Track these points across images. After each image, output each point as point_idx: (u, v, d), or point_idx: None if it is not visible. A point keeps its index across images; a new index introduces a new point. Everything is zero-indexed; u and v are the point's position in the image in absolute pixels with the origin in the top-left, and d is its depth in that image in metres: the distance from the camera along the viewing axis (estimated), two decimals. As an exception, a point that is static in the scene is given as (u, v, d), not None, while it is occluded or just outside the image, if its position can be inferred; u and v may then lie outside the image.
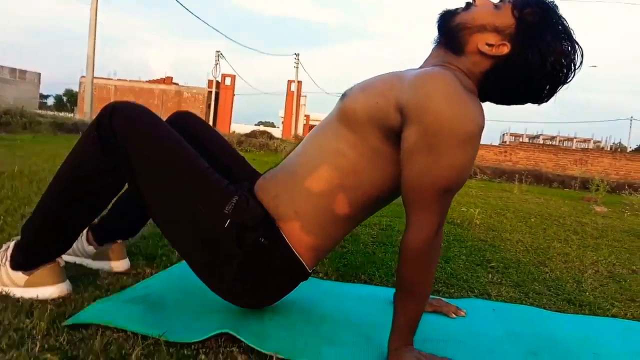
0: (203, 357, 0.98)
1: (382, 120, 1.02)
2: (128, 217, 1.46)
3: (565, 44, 1.05)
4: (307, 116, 39.55)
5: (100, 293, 1.26)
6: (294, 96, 31.59)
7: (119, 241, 1.49)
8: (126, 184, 1.18)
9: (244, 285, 1.10)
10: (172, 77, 32.61)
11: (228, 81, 31.02)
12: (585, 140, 41.63)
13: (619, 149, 40.46)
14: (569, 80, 1.07)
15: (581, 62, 1.06)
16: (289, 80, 32.50)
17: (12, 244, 1.24)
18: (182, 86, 31.11)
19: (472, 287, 1.72)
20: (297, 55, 31.41)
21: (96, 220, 1.40)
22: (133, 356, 0.94)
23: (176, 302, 1.22)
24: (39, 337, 0.97)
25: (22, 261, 1.20)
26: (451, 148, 0.95)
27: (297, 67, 31.67)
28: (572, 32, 1.06)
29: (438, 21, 1.14)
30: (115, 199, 1.31)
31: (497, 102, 1.15)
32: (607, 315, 1.54)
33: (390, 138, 1.03)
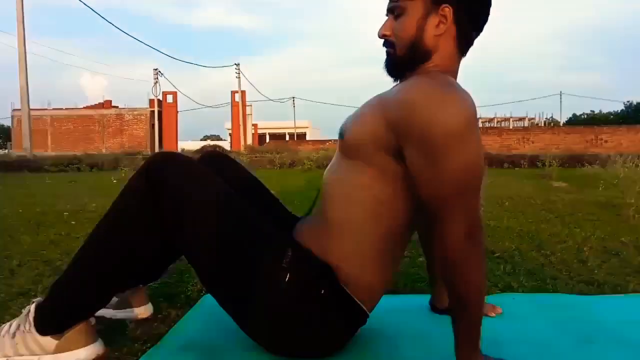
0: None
1: (381, 143, 1.00)
2: (151, 264, 1.38)
3: None
4: (255, 125, 39.28)
5: (139, 346, 1.19)
6: (239, 106, 31.27)
7: (140, 286, 1.40)
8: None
9: (306, 343, 1.07)
10: (111, 101, 31.53)
11: (170, 98, 30.30)
12: (520, 119, 43.62)
13: (552, 124, 42.66)
14: None
15: None
16: (232, 91, 32.16)
17: (32, 307, 1.14)
18: (123, 108, 30.10)
19: (492, 281, 1.74)
20: (238, 65, 31.18)
21: None
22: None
23: (227, 343, 1.16)
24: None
25: (52, 325, 1.11)
26: (451, 150, 0.92)
27: (239, 77, 31.42)
28: None
29: (391, 73, 1.11)
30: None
31: (479, 31, 1.11)
32: (628, 292, 1.61)
33: (397, 156, 1.00)
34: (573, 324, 1.28)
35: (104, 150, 26.14)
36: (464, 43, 1.09)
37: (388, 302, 1.48)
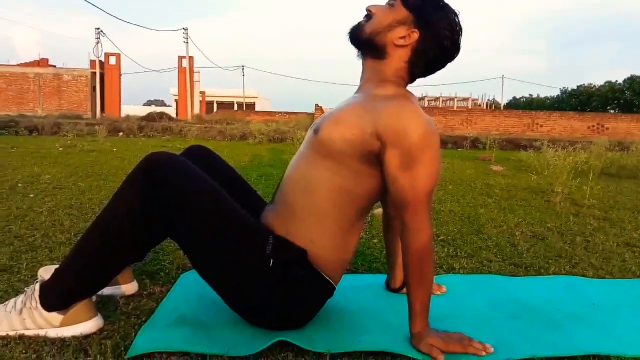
0: (270, 365, 1.12)
1: (361, 147, 1.21)
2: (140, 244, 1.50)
3: (444, 8, 1.29)
4: (203, 93, 38.31)
5: (135, 319, 1.33)
6: (186, 73, 30.35)
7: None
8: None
9: (287, 316, 1.25)
10: (47, 59, 29.69)
11: (112, 60, 28.91)
12: (464, 99, 45.13)
13: (493, 106, 44.48)
14: (461, 31, 1.30)
15: (458, 13, 1.29)
16: (179, 56, 31.10)
17: (37, 286, 1.26)
18: (61, 68, 28.41)
19: (437, 263, 1.99)
20: (186, 29, 30.11)
21: None
22: (211, 375, 1.05)
23: (213, 318, 1.33)
24: (115, 372, 1.05)
25: (57, 302, 1.23)
26: (429, 159, 1.18)
27: (187, 42, 30.41)
28: None
29: (351, 38, 1.34)
30: None
31: (425, 76, 1.37)
32: (549, 274, 1.90)
33: (369, 159, 1.23)
34: (503, 302, 1.54)
35: (40, 112, 24.74)
36: (411, 72, 1.31)
37: (349, 281, 1.69)
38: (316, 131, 1.28)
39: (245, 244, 1.21)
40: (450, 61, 1.34)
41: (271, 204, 1.37)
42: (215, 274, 1.24)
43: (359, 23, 1.32)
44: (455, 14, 1.29)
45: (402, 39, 1.27)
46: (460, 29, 1.30)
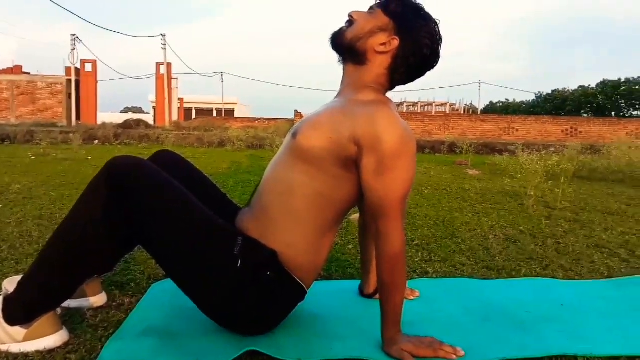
0: (240, 375, 1.10)
1: (338, 151, 1.21)
2: (106, 256, 1.47)
3: (425, 17, 1.31)
4: (181, 99, 38.00)
5: (103, 331, 1.30)
6: (164, 79, 30.09)
7: (95, 276, 1.50)
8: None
9: (257, 318, 1.24)
10: (21, 66, 29.05)
11: (89, 67, 28.49)
12: (442, 104, 45.74)
13: (470, 110, 45.17)
14: (441, 40, 1.32)
15: (439, 22, 1.32)
16: (157, 63, 30.82)
17: (0, 299, 1.22)
18: (36, 75, 27.89)
19: (411, 267, 2.00)
20: (164, 35, 29.89)
21: None
22: (178, 387, 1.04)
23: (184, 328, 1.31)
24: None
25: (20, 315, 1.20)
26: (404, 165, 1.20)
27: (165, 49, 30.17)
28: (423, 6, 1.32)
29: (332, 43, 1.35)
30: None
31: (405, 84, 1.39)
32: (520, 276, 1.93)
33: (347, 164, 1.23)
34: (474, 305, 1.55)
35: (12, 120, 24.20)
36: (391, 78, 1.32)
37: (322, 287, 1.69)
38: (294, 135, 1.28)
39: (213, 244, 1.20)
40: (430, 69, 1.35)
41: (247, 207, 1.36)
42: (185, 277, 1.22)
43: (340, 29, 1.33)
44: (436, 23, 1.31)
45: (383, 46, 1.28)
46: (440, 37, 1.31)
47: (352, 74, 1.34)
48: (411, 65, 1.31)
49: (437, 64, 1.35)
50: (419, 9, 1.31)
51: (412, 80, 1.37)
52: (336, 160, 1.22)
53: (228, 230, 1.24)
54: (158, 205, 1.18)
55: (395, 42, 1.28)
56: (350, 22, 1.32)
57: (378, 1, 1.33)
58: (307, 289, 1.31)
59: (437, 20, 1.31)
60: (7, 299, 1.21)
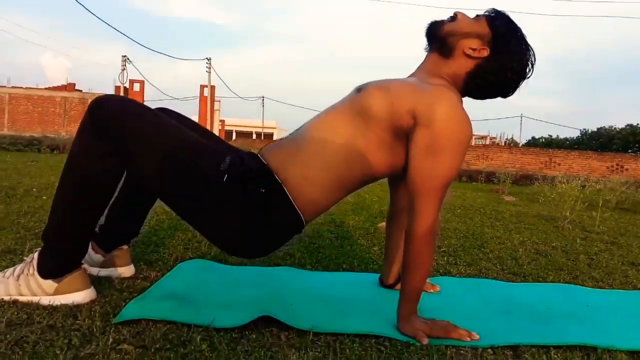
0: (253, 335, 1.13)
1: (395, 119, 1.23)
2: (127, 218, 1.55)
3: (524, 47, 1.34)
4: (222, 121, 38.97)
5: (127, 294, 1.36)
6: (207, 101, 31.00)
7: (124, 247, 1.57)
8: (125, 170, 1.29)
9: (245, 234, 1.25)
10: (74, 84, 30.68)
11: (137, 87, 29.76)
12: (482, 137, 45.10)
13: (511, 144, 44.31)
14: (528, 76, 1.35)
15: (535, 60, 1.35)
16: (201, 85, 31.84)
17: (35, 254, 1.30)
18: (87, 93, 29.30)
19: (435, 268, 1.99)
20: (209, 59, 30.91)
21: (98, 229, 1.49)
22: (193, 340, 1.07)
23: (203, 297, 1.35)
24: (100, 333, 1.07)
25: (51, 269, 1.27)
26: (453, 152, 1.21)
27: (210, 72, 31.16)
28: (526, 37, 1.35)
29: (428, 29, 1.38)
30: (111, 203, 1.39)
31: (475, 97, 1.41)
32: (547, 282, 1.88)
33: (398, 134, 1.25)
34: (495, 300, 1.53)
35: (63, 134, 25.37)
36: (465, 84, 1.36)
37: (343, 277, 1.70)
38: (359, 90, 1.31)
39: (199, 162, 1.23)
40: (503, 95, 1.39)
41: (280, 140, 1.40)
42: (177, 197, 1.26)
43: (442, 20, 1.38)
44: (532, 58, 1.34)
45: (473, 51, 1.33)
46: (528, 71, 1.34)
47: (433, 62, 1.37)
48: (488, 81, 1.34)
49: (511, 94, 1.38)
50: (521, 37, 1.34)
51: (482, 97, 1.40)
52: (390, 126, 1.24)
53: (217, 150, 1.27)
54: (141, 127, 1.22)
55: (485, 53, 1.32)
56: (453, 18, 1.36)
57: (489, 11, 1.37)
58: (305, 223, 1.31)
59: (534, 57, 1.34)
60: (42, 254, 1.28)
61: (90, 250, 1.53)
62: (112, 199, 1.48)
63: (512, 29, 1.34)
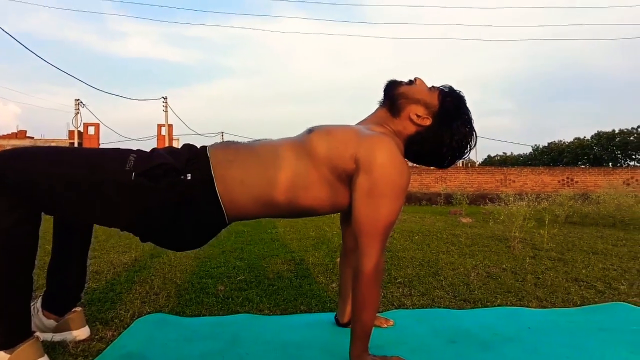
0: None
1: (338, 163, 1.31)
2: (67, 274, 1.54)
3: (467, 129, 1.44)
4: (182, 160, 38.55)
5: (82, 359, 1.36)
6: (165, 140, 30.71)
7: (77, 309, 1.57)
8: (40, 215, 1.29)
9: (169, 226, 1.29)
10: (25, 131, 29.84)
11: (92, 130, 29.22)
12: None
13: (469, 164, 45.62)
14: (465, 156, 1.47)
15: (475, 144, 1.46)
16: (159, 125, 31.61)
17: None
18: (39, 139, 28.55)
19: (390, 300, 2.06)
20: (165, 98, 30.79)
21: (43, 295, 1.52)
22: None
23: (157, 354, 1.37)
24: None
25: (1, 340, 1.26)
26: (392, 197, 1.28)
27: (167, 110, 30.98)
28: (472, 120, 1.47)
29: (386, 86, 1.49)
30: (48, 265, 1.43)
31: (412, 161, 1.52)
32: (495, 306, 1.98)
33: (341, 177, 1.33)
34: (443, 330, 1.60)
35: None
36: (406, 147, 1.45)
37: (299, 319, 1.75)
38: (310, 131, 1.38)
39: (107, 170, 1.26)
40: (437, 166, 1.50)
41: (234, 143, 1.44)
42: (102, 212, 1.27)
43: (401, 81, 1.48)
44: (472, 141, 1.44)
45: (417, 117, 1.43)
46: (463, 153, 1.44)
47: (381, 116, 1.47)
48: (424, 149, 1.45)
49: (445, 166, 1.50)
50: (467, 120, 1.44)
51: (418, 162, 1.50)
52: (333, 169, 1.31)
53: (120, 153, 1.31)
54: (38, 164, 1.24)
55: (427, 122, 1.42)
56: (412, 82, 1.47)
57: (445, 87, 1.47)
58: (227, 220, 1.34)
59: (474, 139, 1.45)
60: (-9, 325, 1.28)
61: (42, 316, 1.52)
62: (49, 261, 1.50)
63: (459, 108, 1.45)
